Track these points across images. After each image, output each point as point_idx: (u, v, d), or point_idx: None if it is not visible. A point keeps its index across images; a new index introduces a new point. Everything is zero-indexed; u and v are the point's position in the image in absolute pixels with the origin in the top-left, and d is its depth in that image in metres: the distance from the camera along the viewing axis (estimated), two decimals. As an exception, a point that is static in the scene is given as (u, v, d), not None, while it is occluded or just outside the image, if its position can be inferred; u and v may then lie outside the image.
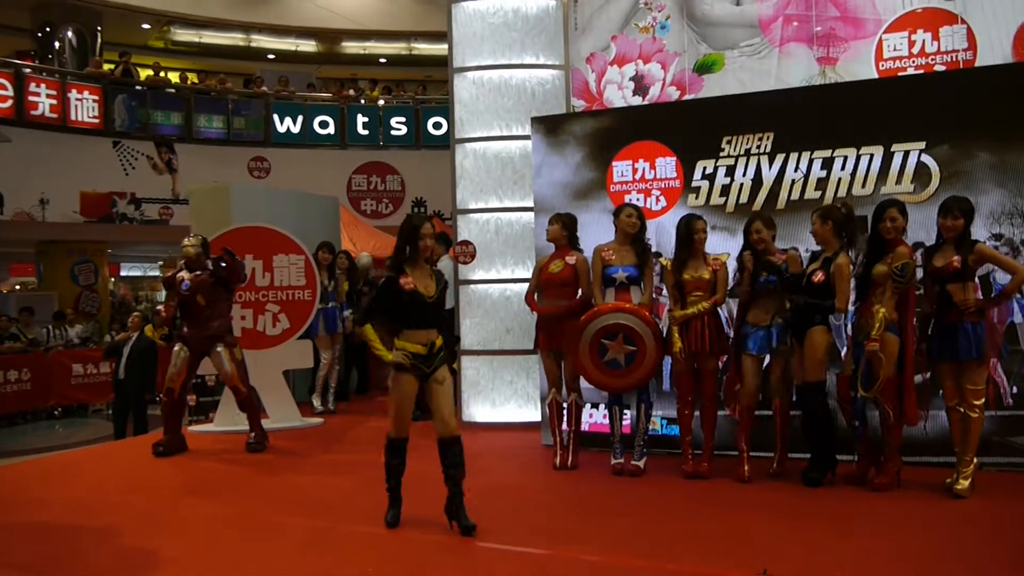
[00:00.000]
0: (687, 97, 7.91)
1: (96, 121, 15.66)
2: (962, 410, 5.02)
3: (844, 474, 5.38)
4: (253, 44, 21.54)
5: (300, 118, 17.11)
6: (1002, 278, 5.35)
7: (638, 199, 6.51)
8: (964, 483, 4.96)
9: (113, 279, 19.50)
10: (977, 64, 7.03)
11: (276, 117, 17.03)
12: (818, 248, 5.47)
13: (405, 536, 4.51)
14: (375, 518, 4.75)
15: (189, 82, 18.56)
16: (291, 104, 17.43)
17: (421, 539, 4.45)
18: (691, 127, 6.54)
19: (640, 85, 8.16)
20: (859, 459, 5.38)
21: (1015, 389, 5.63)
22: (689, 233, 5.64)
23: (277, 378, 8.07)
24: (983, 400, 5.01)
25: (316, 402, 8.94)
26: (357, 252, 10.70)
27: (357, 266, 9.76)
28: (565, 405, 6.14)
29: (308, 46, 22.05)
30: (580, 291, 6.02)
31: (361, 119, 17.49)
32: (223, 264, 6.91)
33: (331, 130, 17.26)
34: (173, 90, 17.28)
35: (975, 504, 4.84)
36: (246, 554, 4.36)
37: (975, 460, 5.03)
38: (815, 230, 5.38)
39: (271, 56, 21.86)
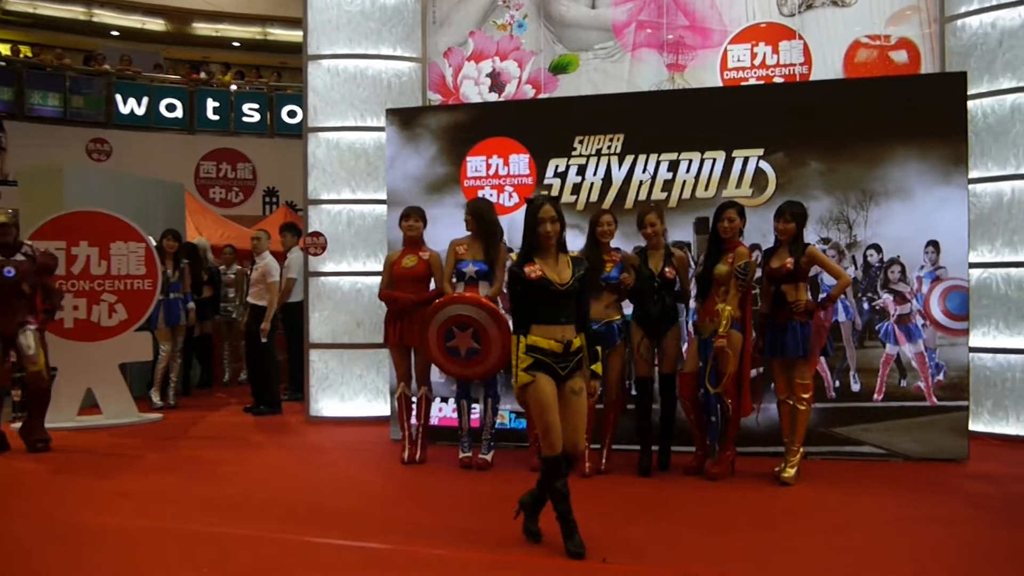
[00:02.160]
0: (542, 96, 8.02)
1: (-87, 93, 14.43)
2: (791, 403, 5.33)
3: (682, 464, 5.62)
4: (95, 19, 20.28)
5: (145, 100, 16.30)
6: (829, 280, 5.70)
7: (491, 195, 6.56)
8: (791, 471, 5.28)
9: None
10: (812, 78, 7.47)
11: (119, 97, 16.16)
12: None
13: (243, 535, 4.35)
14: (210, 517, 4.56)
15: (22, 55, 17.29)
16: (136, 84, 16.56)
17: (261, 538, 4.32)
18: (545, 125, 6.63)
19: (496, 82, 8.22)
20: (697, 450, 5.61)
21: (838, 383, 6.03)
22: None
23: (113, 372, 7.68)
24: (809, 394, 5.33)
25: (155, 397, 8.57)
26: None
27: (197, 251, 9.40)
28: (415, 399, 6.11)
29: (156, 24, 20.98)
30: (432, 285, 6.01)
31: (211, 104, 16.86)
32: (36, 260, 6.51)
33: (179, 114, 16.55)
34: (3, 63, 16.08)
35: (800, 490, 5.16)
36: (66, 562, 4.09)
37: (801, 450, 5.36)
38: (660, 229, 5.58)
39: (115, 33, 20.63)
